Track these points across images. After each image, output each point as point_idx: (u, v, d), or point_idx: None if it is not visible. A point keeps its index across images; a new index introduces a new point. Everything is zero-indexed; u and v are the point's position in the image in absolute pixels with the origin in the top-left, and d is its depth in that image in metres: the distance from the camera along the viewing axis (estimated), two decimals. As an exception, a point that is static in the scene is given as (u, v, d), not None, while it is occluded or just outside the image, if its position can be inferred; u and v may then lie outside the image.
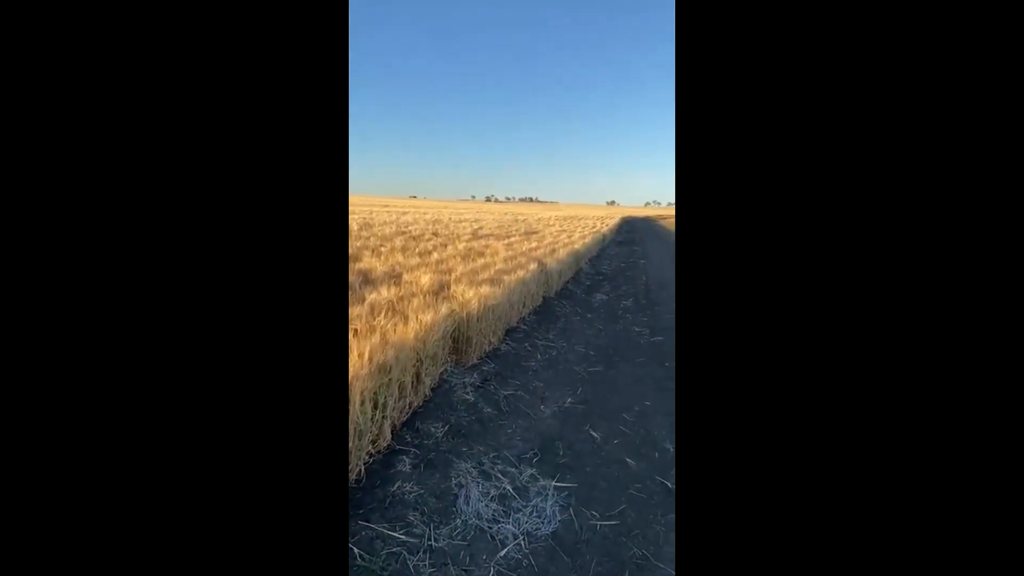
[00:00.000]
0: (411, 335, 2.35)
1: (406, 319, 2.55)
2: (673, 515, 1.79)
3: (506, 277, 4.07)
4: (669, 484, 1.98)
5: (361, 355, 1.93)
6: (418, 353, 2.43)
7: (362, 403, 1.83)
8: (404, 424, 2.28)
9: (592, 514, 1.79)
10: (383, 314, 2.59)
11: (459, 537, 1.62)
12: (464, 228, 10.73)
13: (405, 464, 1.97)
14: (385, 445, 2.04)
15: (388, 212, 18.26)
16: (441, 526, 1.65)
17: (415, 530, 1.62)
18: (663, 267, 8.92)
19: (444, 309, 2.82)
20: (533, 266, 4.88)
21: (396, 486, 1.82)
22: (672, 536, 1.68)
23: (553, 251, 6.59)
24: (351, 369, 1.82)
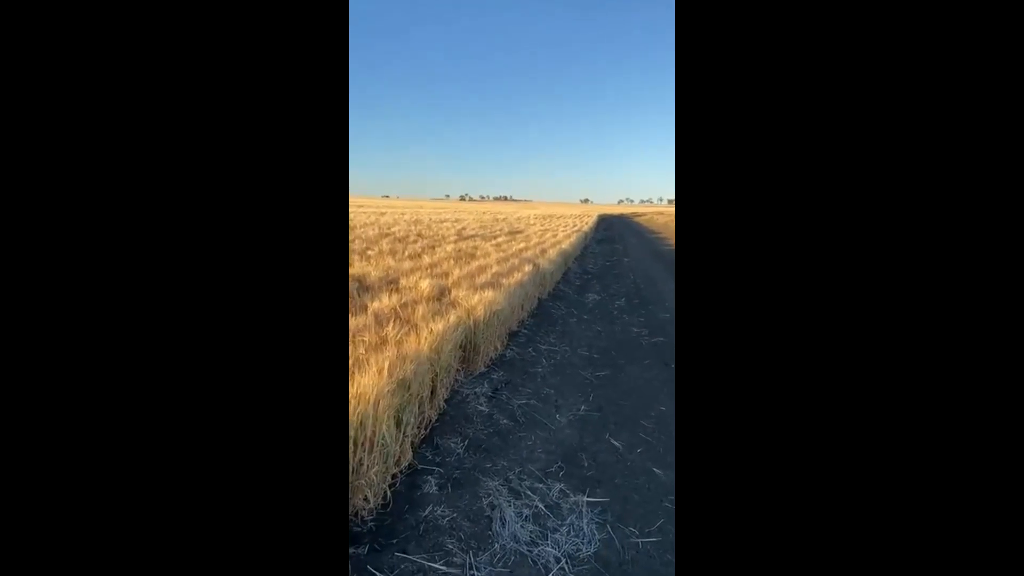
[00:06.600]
0: (425, 346, 2.25)
1: (416, 329, 2.45)
2: (715, 528, 1.74)
3: (504, 280, 3.98)
4: (703, 494, 1.94)
5: (380, 370, 1.82)
6: (432, 364, 2.32)
7: (385, 422, 1.73)
8: (423, 441, 2.18)
9: (631, 531, 1.72)
10: (390, 324, 2.48)
11: (500, 564, 1.53)
12: (447, 229, 10.57)
13: (431, 485, 1.87)
14: (407, 464, 1.94)
15: (365, 213, 17.91)
16: (480, 552, 1.56)
17: (455, 559, 1.52)
18: (646, 264, 8.98)
19: (453, 317, 2.72)
20: (528, 267, 4.81)
21: (428, 510, 1.73)
22: (719, 552, 1.63)
23: (543, 251, 6.53)
24: (374, 387, 1.71)
